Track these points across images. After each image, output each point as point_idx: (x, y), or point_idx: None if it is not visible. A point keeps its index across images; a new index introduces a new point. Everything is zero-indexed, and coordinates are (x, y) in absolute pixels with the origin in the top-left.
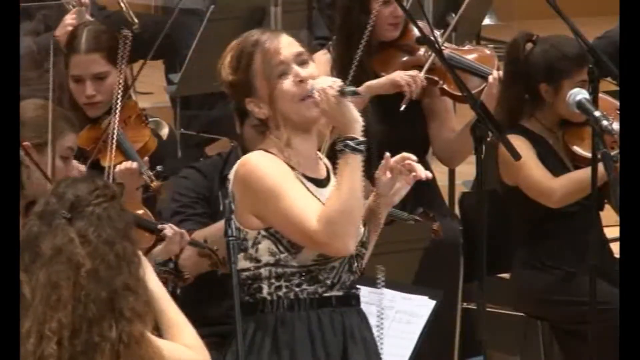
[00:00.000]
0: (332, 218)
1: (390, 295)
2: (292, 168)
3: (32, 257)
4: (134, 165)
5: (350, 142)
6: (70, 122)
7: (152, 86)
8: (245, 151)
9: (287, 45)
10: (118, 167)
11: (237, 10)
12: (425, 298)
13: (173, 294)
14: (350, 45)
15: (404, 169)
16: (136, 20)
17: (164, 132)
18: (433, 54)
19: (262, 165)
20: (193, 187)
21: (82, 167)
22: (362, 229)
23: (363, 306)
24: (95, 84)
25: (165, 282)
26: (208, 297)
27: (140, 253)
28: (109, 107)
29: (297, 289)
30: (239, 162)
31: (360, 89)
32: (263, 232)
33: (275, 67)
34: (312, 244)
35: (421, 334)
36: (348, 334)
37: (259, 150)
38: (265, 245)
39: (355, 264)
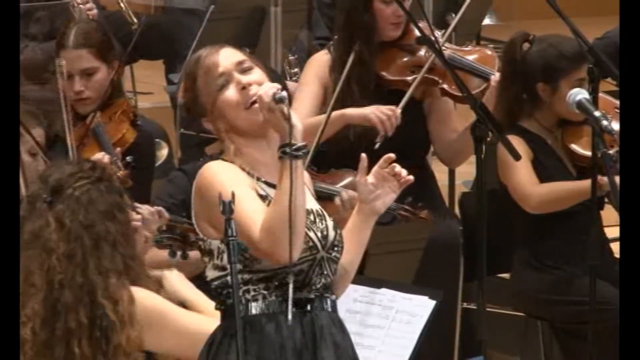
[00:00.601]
0: (272, 226)
1: (390, 295)
2: (251, 175)
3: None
4: (106, 158)
5: (287, 149)
6: (37, 118)
7: (152, 86)
8: None
9: (226, 57)
10: (91, 159)
11: (237, 10)
12: (425, 298)
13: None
14: (352, 44)
15: (388, 174)
16: (135, 20)
17: (163, 152)
18: (433, 54)
19: (215, 174)
20: (174, 191)
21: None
22: (332, 233)
23: (363, 306)
24: (83, 79)
25: (171, 247)
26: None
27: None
28: (98, 104)
29: (264, 292)
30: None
31: (335, 115)
32: (224, 245)
33: (216, 79)
34: (256, 252)
35: (421, 334)
36: (318, 336)
37: (217, 160)
38: None
39: (328, 268)
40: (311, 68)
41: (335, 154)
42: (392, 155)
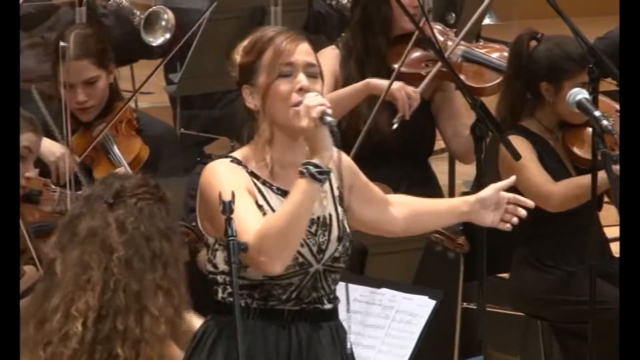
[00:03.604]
0: (266, 235)
1: (391, 295)
2: (257, 177)
3: (69, 237)
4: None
5: (312, 168)
6: (30, 122)
7: (152, 86)
8: None
9: (302, 51)
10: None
11: (237, 10)
12: (425, 298)
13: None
14: (371, 34)
15: (508, 211)
16: (137, 12)
17: (171, 19)
18: (447, 49)
19: (216, 174)
20: None
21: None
22: (333, 245)
23: (363, 306)
24: (86, 89)
25: (187, 236)
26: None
27: (181, 260)
28: (100, 111)
29: (248, 299)
30: None
31: (360, 83)
32: (219, 242)
33: (282, 65)
34: (243, 257)
35: (421, 334)
36: (294, 350)
37: (223, 158)
38: (220, 254)
39: (324, 281)
40: (322, 62)
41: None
42: (526, 201)
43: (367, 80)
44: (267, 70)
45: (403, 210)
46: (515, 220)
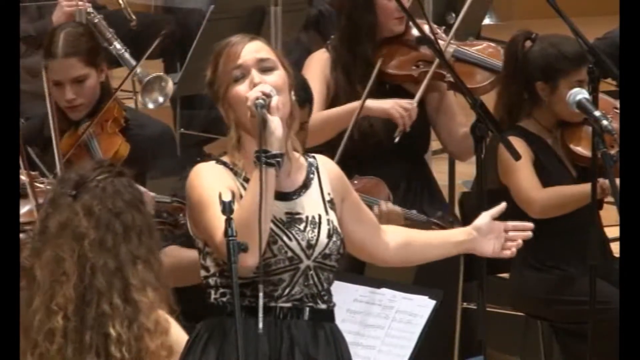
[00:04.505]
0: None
1: (391, 295)
2: (239, 175)
3: (42, 241)
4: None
5: (261, 155)
6: None
7: None
8: None
9: (250, 51)
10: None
11: (237, 10)
12: (425, 298)
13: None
14: (357, 42)
15: (508, 238)
16: (134, 17)
17: (169, 87)
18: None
19: (199, 175)
20: None
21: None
22: (324, 241)
23: (363, 306)
24: (74, 87)
25: (181, 211)
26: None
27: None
28: (90, 109)
29: (240, 297)
30: None
31: (353, 106)
32: (207, 247)
33: (233, 70)
34: (220, 256)
35: (421, 334)
36: (286, 346)
37: (210, 161)
38: (210, 257)
39: (315, 277)
40: (312, 66)
41: (340, 155)
42: (526, 225)
43: (362, 102)
44: (221, 79)
45: (395, 238)
46: (518, 244)
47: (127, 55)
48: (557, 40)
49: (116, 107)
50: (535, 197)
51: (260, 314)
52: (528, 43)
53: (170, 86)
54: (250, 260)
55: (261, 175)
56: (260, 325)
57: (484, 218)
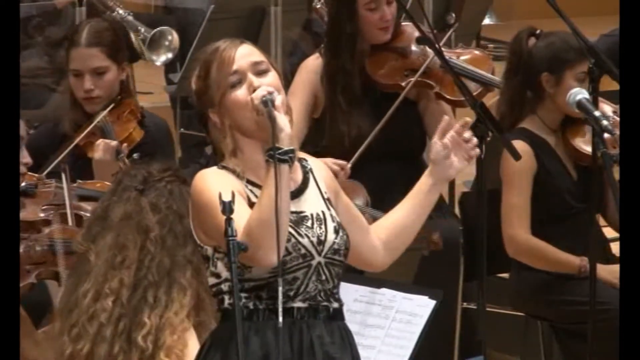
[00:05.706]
0: (250, 229)
1: (391, 295)
2: (241, 178)
3: (100, 227)
4: (113, 142)
5: (274, 152)
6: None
7: (152, 86)
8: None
9: (243, 55)
10: (97, 144)
11: (237, 10)
12: (425, 298)
13: None
14: (338, 52)
15: (463, 141)
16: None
17: (176, 41)
18: (428, 58)
19: (205, 181)
20: None
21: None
22: (332, 236)
23: (363, 306)
24: (94, 78)
25: None
26: None
27: None
28: (106, 103)
29: (256, 300)
30: None
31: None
32: (218, 249)
33: (229, 76)
34: (240, 257)
35: (421, 334)
36: (306, 346)
37: (214, 166)
38: (221, 262)
39: (327, 273)
40: (300, 76)
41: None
42: (467, 119)
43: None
44: (217, 86)
45: (380, 236)
46: (475, 142)
47: (130, 18)
48: (563, 34)
49: (134, 102)
50: (519, 239)
51: (280, 308)
52: (532, 40)
53: (176, 40)
54: (273, 257)
55: (276, 172)
56: (280, 319)
57: (434, 146)
